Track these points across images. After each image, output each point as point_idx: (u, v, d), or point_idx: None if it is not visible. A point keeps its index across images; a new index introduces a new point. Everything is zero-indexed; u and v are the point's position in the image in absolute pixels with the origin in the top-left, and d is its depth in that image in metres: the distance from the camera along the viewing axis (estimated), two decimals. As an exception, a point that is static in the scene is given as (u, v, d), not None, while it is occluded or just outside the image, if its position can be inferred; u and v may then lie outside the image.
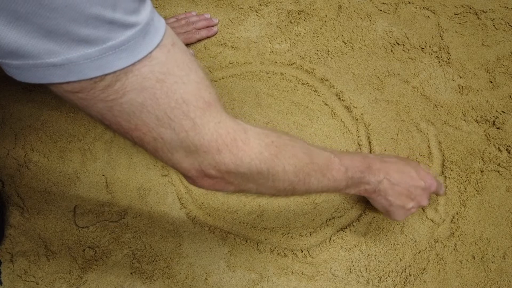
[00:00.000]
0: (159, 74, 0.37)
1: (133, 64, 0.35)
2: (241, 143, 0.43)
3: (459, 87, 0.84)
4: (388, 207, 0.64)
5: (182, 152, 0.41)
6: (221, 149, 0.41)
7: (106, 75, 0.34)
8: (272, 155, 0.45)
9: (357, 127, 0.82)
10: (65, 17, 0.30)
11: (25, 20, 0.30)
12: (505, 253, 0.71)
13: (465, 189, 0.76)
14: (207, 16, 0.92)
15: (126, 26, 0.34)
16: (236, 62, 0.89)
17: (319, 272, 0.72)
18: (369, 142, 0.81)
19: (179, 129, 0.39)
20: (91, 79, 0.34)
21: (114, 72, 0.34)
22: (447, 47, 0.88)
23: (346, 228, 0.75)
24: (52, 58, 0.32)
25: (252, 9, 0.95)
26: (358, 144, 0.81)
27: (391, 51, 0.88)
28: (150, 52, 0.36)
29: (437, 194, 0.70)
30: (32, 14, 0.29)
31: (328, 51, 0.89)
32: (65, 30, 0.31)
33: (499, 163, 0.77)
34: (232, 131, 0.42)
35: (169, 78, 0.37)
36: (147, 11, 0.36)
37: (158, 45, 0.37)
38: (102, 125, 0.40)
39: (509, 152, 0.78)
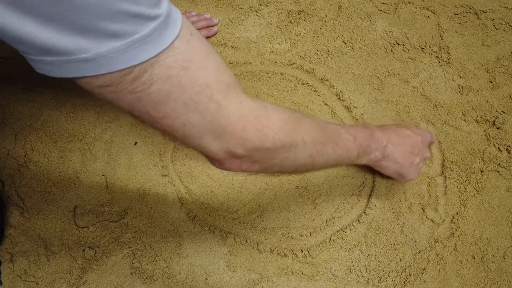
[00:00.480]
0: (182, 63, 0.39)
1: (158, 55, 0.37)
2: (264, 119, 0.45)
3: (459, 87, 0.84)
4: (400, 169, 0.68)
5: (210, 135, 0.43)
6: (246, 127, 0.43)
7: (133, 67, 0.36)
8: (291, 128, 0.48)
9: (357, 127, 0.82)
10: (94, 14, 0.32)
11: (58, 20, 0.32)
12: (505, 253, 0.72)
13: (465, 189, 0.76)
14: (207, 16, 0.92)
15: (150, 18, 0.36)
16: (236, 62, 0.89)
17: (319, 272, 0.72)
18: (369, 142, 0.81)
19: (206, 112, 0.41)
20: (120, 71, 0.36)
21: (141, 64, 0.36)
22: (447, 47, 0.88)
23: (346, 228, 0.75)
24: (83, 54, 0.34)
25: (252, 9, 0.95)
26: (358, 144, 0.81)
27: (391, 51, 0.88)
28: (172, 42, 0.38)
29: (430, 143, 0.74)
30: (64, 14, 0.31)
31: (328, 51, 0.89)
32: (95, 27, 0.33)
33: (499, 163, 0.77)
34: (254, 109, 0.45)
35: (192, 65, 0.39)
36: (165, 4, 0.38)
37: (178, 36, 0.38)
38: (132, 116, 0.42)
39: (509, 152, 0.78)
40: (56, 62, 0.35)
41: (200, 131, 0.42)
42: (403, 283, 0.71)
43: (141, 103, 0.39)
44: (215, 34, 0.92)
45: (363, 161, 0.64)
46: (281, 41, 0.91)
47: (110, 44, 0.34)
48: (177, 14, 0.40)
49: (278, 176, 0.79)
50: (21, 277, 0.73)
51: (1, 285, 0.73)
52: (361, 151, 0.61)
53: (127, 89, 0.38)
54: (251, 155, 0.46)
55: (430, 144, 0.74)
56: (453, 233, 0.73)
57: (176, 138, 0.44)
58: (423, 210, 0.75)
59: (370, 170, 0.79)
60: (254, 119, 0.44)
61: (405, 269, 0.71)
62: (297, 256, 0.73)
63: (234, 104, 0.43)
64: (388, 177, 0.77)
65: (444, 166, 0.78)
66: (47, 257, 0.75)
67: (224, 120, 0.42)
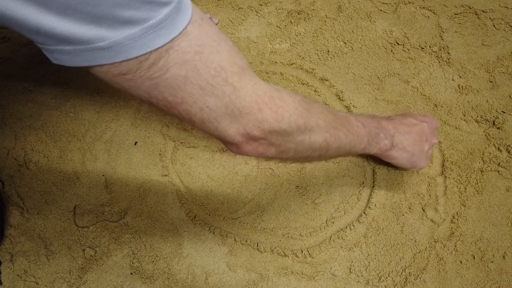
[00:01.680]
0: (196, 47, 0.39)
1: (172, 41, 0.38)
2: (278, 100, 0.45)
3: (459, 87, 0.84)
4: (411, 157, 0.68)
5: (227, 118, 0.43)
6: (261, 108, 0.44)
7: (149, 53, 0.37)
8: (305, 109, 0.48)
9: (357, 127, 0.82)
10: (109, 2, 0.33)
11: (75, 10, 0.32)
12: (505, 253, 0.72)
13: (465, 189, 0.76)
14: (207, 16, 0.92)
15: (163, 4, 0.36)
16: (236, 62, 0.89)
17: (319, 272, 0.72)
18: (369, 142, 0.81)
19: (222, 95, 0.42)
20: (136, 58, 0.37)
21: (156, 50, 0.37)
22: (447, 47, 0.88)
23: (346, 228, 0.75)
24: (100, 42, 0.35)
25: (252, 9, 0.95)
26: (358, 144, 0.81)
27: (391, 51, 0.88)
28: (185, 28, 0.39)
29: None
30: (80, 3, 0.32)
31: (328, 51, 0.89)
32: (110, 14, 0.34)
33: (499, 163, 0.77)
34: (269, 90, 0.45)
35: (205, 49, 0.40)
36: None
37: (190, 21, 0.39)
38: (149, 104, 0.42)
39: (509, 152, 0.78)
40: (73, 51, 0.35)
41: (218, 115, 0.43)
42: (403, 283, 0.71)
43: (158, 89, 0.40)
44: (215, 34, 0.92)
45: (373, 150, 0.64)
46: (281, 41, 0.91)
47: (126, 31, 0.35)
48: (187, 0, 0.40)
49: (278, 176, 0.79)
50: (21, 277, 0.73)
51: (1, 285, 0.73)
52: (370, 138, 0.61)
53: (144, 76, 0.38)
54: (268, 137, 0.46)
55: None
56: (453, 233, 0.73)
57: (194, 124, 0.44)
58: (423, 210, 0.75)
59: (370, 170, 0.79)
60: (269, 100, 0.45)
61: (405, 269, 0.71)
62: (297, 256, 0.73)
63: (249, 86, 0.43)
64: (391, 174, 0.77)
65: (444, 166, 0.78)
66: (47, 257, 0.75)
67: (240, 101, 0.43)
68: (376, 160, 0.79)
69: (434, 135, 0.71)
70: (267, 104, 0.44)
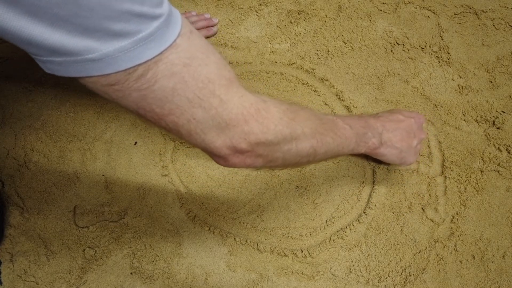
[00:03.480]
0: (185, 59, 0.40)
1: (161, 53, 0.38)
2: (264, 112, 0.46)
3: (459, 87, 0.84)
4: (400, 154, 0.69)
5: (214, 130, 0.44)
6: (248, 120, 0.44)
7: (138, 65, 0.37)
8: (290, 119, 0.49)
9: (357, 127, 0.82)
10: (100, 15, 0.33)
11: (66, 21, 0.33)
12: (505, 253, 0.72)
13: (465, 189, 0.76)
14: (207, 16, 0.92)
15: (153, 17, 0.37)
16: (236, 62, 0.89)
17: (319, 272, 0.72)
18: (369, 142, 0.81)
19: (209, 107, 0.42)
20: (125, 70, 0.37)
21: (145, 62, 0.37)
22: (447, 47, 0.88)
23: (346, 228, 0.75)
24: (91, 54, 0.35)
25: (252, 9, 0.95)
26: (358, 144, 0.81)
27: (391, 51, 0.88)
28: (174, 41, 0.39)
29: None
30: (72, 16, 0.32)
31: (328, 51, 0.89)
32: (101, 27, 0.34)
33: (499, 163, 0.77)
34: (255, 102, 0.46)
35: (194, 62, 0.41)
36: (166, 3, 0.39)
37: (179, 34, 0.40)
38: (137, 115, 0.43)
39: (509, 152, 0.78)
40: (64, 62, 0.36)
41: (204, 127, 0.43)
42: (403, 283, 0.71)
43: (146, 101, 0.40)
44: (215, 34, 0.92)
45: (362, 149, 0.64)
46: (281, 41, 0.91)
47: (116, 44, 0.35)
48: (176, 13, 0.41)
49: (278, 176, 0.79)
50: (21, 277, 0.73)
51: (1, 285, 0.73)
52: (358, 139, 0.62)
53: (132, 87, 0.39)
54: (254, 149, 0.46)
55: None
56: (453, 233, 0.73)
57: (181, 135, 0.44)
58: (423, 210, 0.75)
59: (370, 170, 0.79)
60: (255, 112, 0.45)
61: (405, 269, 0.71)
62: (297, 256, 0.73)
63: (236, 98, 0.44)
64: (391, 174, 0.77)
65: (444, 166, 0.78)
66: (47, 257, 0.75)
67: (227, 114, 0.43)
68: (376, 160, 0.79)
69: (422, 130, 0.72)
70: (254, 116, 0.45)
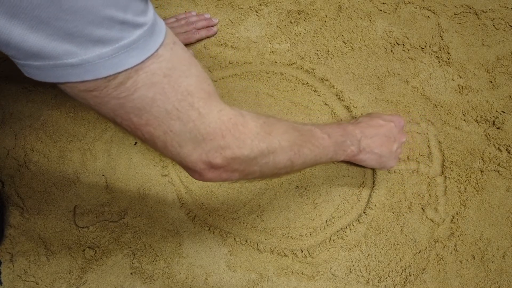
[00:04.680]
0: (166, 70, 0.39)
1: (143, 62, 0.38)
2: (241, 126, 0.46)
3: (459, 87, 0.84)
4: (379, 159, 0.70)
5: (190, 144, 0.43)
6: (225, 135, 0.44)
7: (118, 73, 0.37)
8: (267, 133, 0.49)
9: (357, 127, 0.82)
10: (82, 19, 0.33)
11: (47, 24, 0.32)
12: (505, 253, 0.72)
13: (465, 189, 0.76)
14: (207, 16, 0.92)
15: (136, 26, 0.36)
16: (236, 62, 0.89)
17: (319, 272, 0.72)
18: (369, 142, 0.81)
19: (187, 120, 0.42)
20: (105, 77, 0.36)
21: (126, 70, 0.37)
22: (447, 47, 0.88)
23: (346, 228, 0.75)
24: (70, 59, 0.34)
25: (252, 9, 0.95)
26: (358, 144, 0.81)
27: (391, 51, 0.88)
28: (156, 50, 0.39)
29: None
30: (53, 18, 0.32)
31: (328, 51, 0.89)
32: (82, 32, 0.33)
33: (499, 163, 0.77)
34: (233, 116, 0.45)
35: (175, 73, 0.40)
36: (151, 13, 0.39)
37: (162, 44, 0.39)
38: (113, 123, 0.42)
39: (509, 152, 0.78)
40: (43, 66, 0.35)
41: (181, 140, 0.43)
42: (403, 283, 0.71)
43: (123, 109, 0.40)
44: (215, 34, 0.92)
45: (341, 157, 0.65)
46: (281, 41, 0.91)
47: (97, 50, 0.35)
48: (161, 23, 0.41)
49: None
50: (21, 277, 0.73)
51: (1, 285, 0.73)
52: (337, 147, 0.62)
53: (111, 94, 0.38)
54: (230, 163, 0.46)
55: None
56: (453, 233, 0.73)
57: (157, 147, 0.44)
58: (423, 210, 0.75)
59: (370, 170, 0.79)
60: (233, 127, 0.45)
61: (405, 269, 0.71)
62: (297, 256, 0.73)
63: (214, 112, 0.43)
64: (391, 174, 0.77)
65: (444, 166, 0.78)
66: (47, 257, 0.75)
67: (204, 127, 0.43)
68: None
69: (402, 134, 0.73)
70: (231, 131, 0.44)
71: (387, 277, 0.71)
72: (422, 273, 0.71)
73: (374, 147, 0.68)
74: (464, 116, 0.82)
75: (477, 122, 0.81)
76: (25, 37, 0.32)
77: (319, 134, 0.59)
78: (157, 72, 0.39)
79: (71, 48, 0.34)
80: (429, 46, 0.88)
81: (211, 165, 0.45)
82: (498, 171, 0.77)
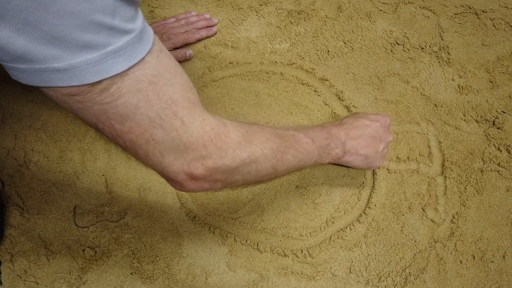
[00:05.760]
0: (151, 77, 0.39)
1: (129, 68, 0.37)
2: (224, 136, 0.46)
3: (459, 87, 0.84)
4: (365, 159, 0.69)
5: (172, 154, 0.43)
6: (207, 144, 0.44)
7: (104, 79, 0.36)
8: (249, 142, 0.49)
9: (357, 127, 0.82)
10: (70, 24, 0.32)
11: (34, 27, 0.32)
12: (505, 253, 0.72)
13: (465, 189, 0.76)
14: (207, 16, 0.92)
15: (124, 32, 0.36)
16: (236, 62, 0.89)
17: (319, 272, 0.72)
18: (369, 142, 0.81)
19: (170, 129, 0.41)
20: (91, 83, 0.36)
21: (112, 76, 0.36)
22: (447, 47, 0.88)
23: (346, 228, 0.75)
24: (56, 63, 0.34)
25: (252, 9, 0.95)
26: (358, 144, 0.81)
27: (391, 51, 0.89)
28: (143, 57, 0.38)
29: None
30: (40, 22, 0.31)
31: (328, 51, 0.89)
32: (70, 36, 0.33)
33: (499, 163, 0.77)
34: (216, 126, 0.45)
35: (160, 81, 0.40)
36: (140, 20, 0.39)
37: (149, 51, 0.39)
38: (95, 129, 0.42)
39: (509, 152, 0.78)
40: (29, 70, 0.35)
41: (163, 149, 0.42)
42: (403, 283, 0.71)
43: (106, 115, 0.39)
44: (215, 34, 0.92)
45: (326, 160, 0.64)
46: (281, 41, 0.91)
47: (84, 55, 0.34)
48: (150, 31, 0.41)
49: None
50: (21, 277, 0.73)
51: (1, 285, 0.73)
52: (321, 151, 0.62)
53: (94, 99, 0.38)
54: (212, 173, 0.46)
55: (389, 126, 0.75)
56: (453, 233, 0.73)
57: (138, 155, 0.43)
58: (423, 210, 0.75)
59: (370, 170, 0.79)
60: (215, 136, 0.44)
61: (405, 269, 0.71)
62: (297, 256, 0.73)
63: (198, 122, 0.43)
64: (391, 174, 0.77)
65: (444, 166, 0.78)
66: (47, 257, 0.75)
67: (187, 137, 0.42)
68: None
69: (388, 133, 0.72)
70: (213, 141, 0.44)
71: (387, 277, 0.71)
72: (422, 273, 0.71)
73: (359, 148, 0.67)
74: (464, 116, 0.82)
75: (477, 122, 0.81)
76: (11, 39, 0.32)
77: (303, 139, 0.59)
78: (142, 79, 0.39)
79: (57, 52, 0.33)
80: (429, 46, 0.88)
81: (192, 176, 0.45)
82: (498, 171, 0.77)
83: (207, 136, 0.44)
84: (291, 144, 0.56)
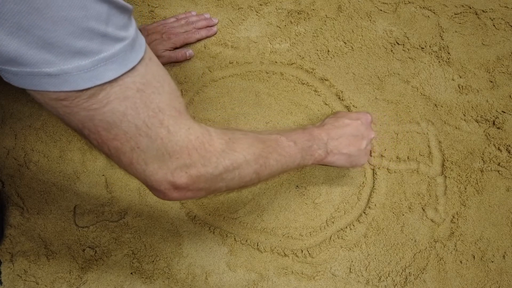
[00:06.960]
0: (139, 85, 0.39)
1: (119, 76, 0.38)
2: (208, 144, 0.46)
3: (459, 87, 0.84)
4: (348, 158, 0.68)
5: (156, 163, 0.43)
6: (191, 153, 0.44)
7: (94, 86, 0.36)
8: (231, 150, 0.49)
9: (357, 127, 0.82)
10: (63, 30, 0.33)
11: (27, 31, 0.32)
12: (505, 253, 0.72)
13: (465, 189, 0.76)
14: (207, 16, 0.92)
15: (117, 39, 0.37)
16: (236, 62, 0.89)
17: (319, 272, 0.72)
18: (369, 142, 0.81)
19: (155, 137, 0.41)
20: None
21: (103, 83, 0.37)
22: (447, 47, 0.88)
23: (346, 228, 0.75)
24: (48, 68, 0.34)
25: (252, 9, 0.95)
26: (358, 144, 0.81)
27: (391, 51, 0.88)
28: (135, 65, 0.39)
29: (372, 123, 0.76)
30: (34, 26, 0.32)
31: (328, 51, 0.89)
32: (63, 42, 0.33)
33: (499, 163, 0.77)
34: (200, 135, 0.45)
35: (148, 89, 0.40)
36: (133, 28, 0.39)
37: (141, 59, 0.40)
38: (80, 134, 0.42)
39: (509, 152, 0.78)
40: (20, 73, 0.35)
41: (147, 157, 0.42)
42: (403, 283, 0.71)
43: (93, 121, 0.39)
44: (215, 34, 0.92)
45: (309, 162, 0.64)
46: (281, 41, 0.91)
47: (76, 62, 0.34)
48: (142, 39, 0.41)
49: (278, 176, 0.79)
50: (21, 277, 0.73)
51: (1, 285, 0.73)
52: (304, 153, 0.62)
53: (82, 105, 0.38)
54: (195, 182, 0.46)
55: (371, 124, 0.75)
56: (453, 233, 0.73)
57: (121, 163, 0.43)
58: (423, 210, 0.75)
59: (370, 170, 0.79)
60: (199, 145, 0.45)
61: (405, 269, 0.71)
62: (297, 256, 0.73)
63: (183, 131, 0.43)
64: (391, 174, 0.77)
65: (444, 166, 0.78)
66: (47, 257, 0.75)
67: (172, 146, 0.43)
68: (376, 160, 0.79)
69: (370, 130, 0.71)
70: (197, 150, 0.44)
71: (387, 277, 0.71)
72: (422, 273, 0.71)
73: (342, 148, 0.67)
74: (464, 116, 0.82)
75: (477, 122, 0.81)
76: (3, 42, 0.32)
77: (285, 142, 0.59)
78: (131, 86, 0.39)
79: (49, 57, 0.33)
80: (429, 46, 0.88)
81: (175, 186, 0.45)
82: (498, 171, 0.77)
83: (191, 145, 0.44)
84: (273, 149, 0.56)
